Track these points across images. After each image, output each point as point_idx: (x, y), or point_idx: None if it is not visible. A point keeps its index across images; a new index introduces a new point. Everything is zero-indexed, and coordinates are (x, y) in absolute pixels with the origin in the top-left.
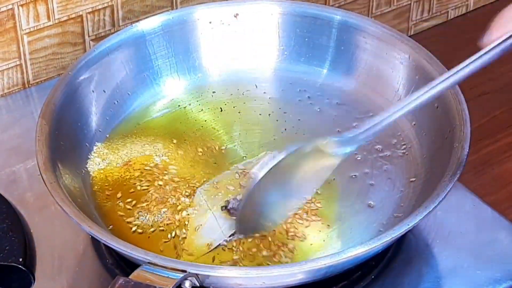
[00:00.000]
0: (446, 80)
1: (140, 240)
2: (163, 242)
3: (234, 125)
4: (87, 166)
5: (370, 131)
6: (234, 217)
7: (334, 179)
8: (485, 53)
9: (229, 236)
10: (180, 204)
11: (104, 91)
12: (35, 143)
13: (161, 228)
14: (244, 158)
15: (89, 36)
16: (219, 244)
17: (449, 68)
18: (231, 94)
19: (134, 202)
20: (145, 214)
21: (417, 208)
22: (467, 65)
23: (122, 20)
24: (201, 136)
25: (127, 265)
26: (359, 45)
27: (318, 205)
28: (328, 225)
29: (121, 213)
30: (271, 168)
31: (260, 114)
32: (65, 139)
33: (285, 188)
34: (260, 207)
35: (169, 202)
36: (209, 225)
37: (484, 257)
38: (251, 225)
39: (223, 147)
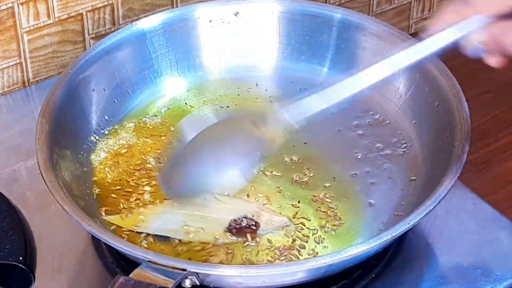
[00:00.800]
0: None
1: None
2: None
3: None
4: (87, 164)
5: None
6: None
7: (334, 178)
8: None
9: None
10: None
11: (104, 90)
12: (35, 141)
13: None
14: None
15: (89, 35)
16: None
17: (449, 67)
18: (232, 93)
19: (134, 199)
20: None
21: (418, 207)
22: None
23: (122, 19)
24: None
25: (128, 264)
26: (359, 44)
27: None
28: (329, 223)
29: (123, 210)
30: (204, 130)
31: (260, 112)
32: (65, 137)
33: (218, 156)
34: (188, 170)
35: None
36: (167, 216)
37: (485, 256)
38: (176, 188)
39: None
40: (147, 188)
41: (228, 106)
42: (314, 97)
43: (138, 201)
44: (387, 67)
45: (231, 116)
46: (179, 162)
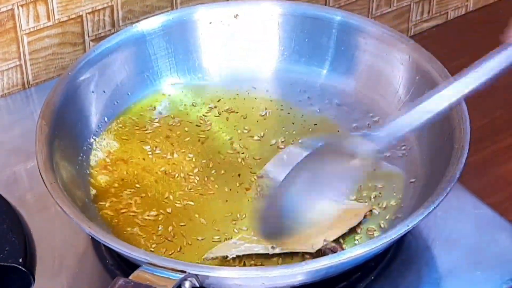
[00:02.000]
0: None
1: (143, 238)
2: (164, 238)
3: (234, 126)
4: (87, 166)
5: (398, 128)
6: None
7: None
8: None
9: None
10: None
11: (104, 92)
12: (35, 143)
13: (161, 226)
14: (244, 158)
15: (89, 37)
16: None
17: (449, 69)
18: (231, 95)
19: (135, 200)
20: (148, 213)
21: (417, 209)
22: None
23: (122, 21)
24: (200, 136)
25: (127, 266)
26: (359, 46)
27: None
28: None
29: (123, 211)
30: (292, 168)
31: (260, 115)
32: (65, 139)
33: (310, 188)
34: (283, 211)
35: (169, 201)
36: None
37: (484, 258)
38: (274, 230)
39: (223, 148)
40: (146, 191)
41: (231, 111)
42: (400, 118)
43: (138, 203)
44: (473, 78)
45: (318, 148)
46: (273, 206)
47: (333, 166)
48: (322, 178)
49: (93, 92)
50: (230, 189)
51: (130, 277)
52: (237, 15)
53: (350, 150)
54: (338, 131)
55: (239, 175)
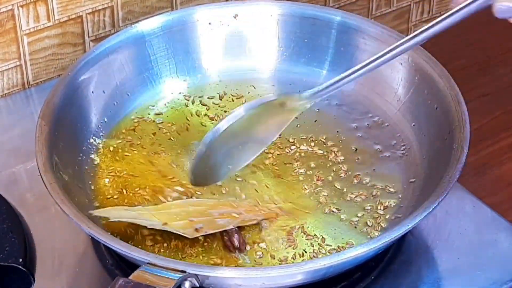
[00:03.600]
0: (412, 39)
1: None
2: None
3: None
4: (87, 166)
5: (330, 88)
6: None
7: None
8: (450, 15)
9: None
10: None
11: (104, 92)
12: (34, 143)
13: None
14: None
15: (89, 37)
16: None
17: (449, 69)
18: (231, 95)
19: (134, 200)
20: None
21: (417, 209)
22: (432, 26)
23: (122, 21)
24: (200, 137)
25: (127, 266)
26: (358, 46)
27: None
28: (330, 225)
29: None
30: (232, 123)
31: None
32: (65, 139)
33: (243, 139)
34: (217, 159)
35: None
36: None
37: (484, 258)
38: (204, 177)
39: None
40: (146, 190)
41: (226, 111)
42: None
43: (138, 202)
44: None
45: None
46: (210, 154)
47: (264, 120)
48: (254, 129)
49: (93, 92)
50: (229, 187)
51: (130, 277)
52: (236, 15)
53: (283, 106)
54: (338, 131)
55: None
